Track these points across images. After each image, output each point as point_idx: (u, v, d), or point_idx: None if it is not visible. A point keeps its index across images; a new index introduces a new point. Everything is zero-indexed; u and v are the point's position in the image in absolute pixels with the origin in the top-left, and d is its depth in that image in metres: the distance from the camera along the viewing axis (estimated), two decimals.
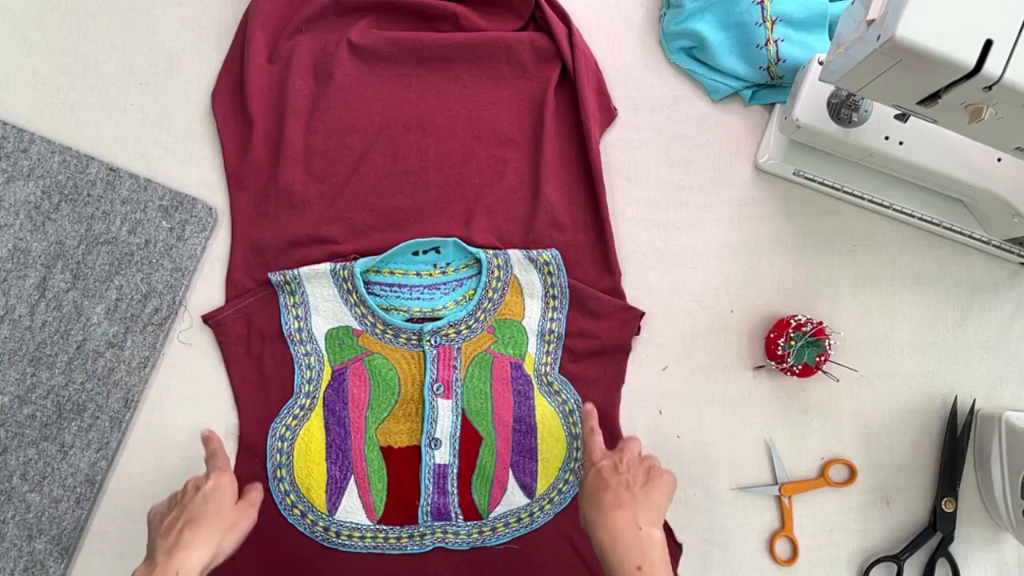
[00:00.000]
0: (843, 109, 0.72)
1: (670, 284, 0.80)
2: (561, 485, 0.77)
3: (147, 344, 0.77)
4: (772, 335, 0.78)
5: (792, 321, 0.76)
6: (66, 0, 0.80)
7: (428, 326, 0.76)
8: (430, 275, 0.78)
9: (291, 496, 0.76)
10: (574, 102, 0.79)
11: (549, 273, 0.77)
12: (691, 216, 0.81)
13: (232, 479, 0.66)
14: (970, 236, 0.80)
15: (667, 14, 0.81)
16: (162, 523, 0.62)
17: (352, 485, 0.76)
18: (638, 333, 0.79)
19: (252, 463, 0.76)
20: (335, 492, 0.76)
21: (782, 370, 0.77)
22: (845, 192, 0.80)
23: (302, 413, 0.77)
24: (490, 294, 0.77)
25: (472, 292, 0.78)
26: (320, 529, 0.76)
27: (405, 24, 0.81)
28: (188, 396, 0.77)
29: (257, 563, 0.75)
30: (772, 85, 0.79)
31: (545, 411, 0.78)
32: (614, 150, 0.81)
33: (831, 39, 0.74)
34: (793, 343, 0.75)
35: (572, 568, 0.77)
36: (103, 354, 0.76)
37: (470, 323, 0.77)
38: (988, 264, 0.82)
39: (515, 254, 0.77)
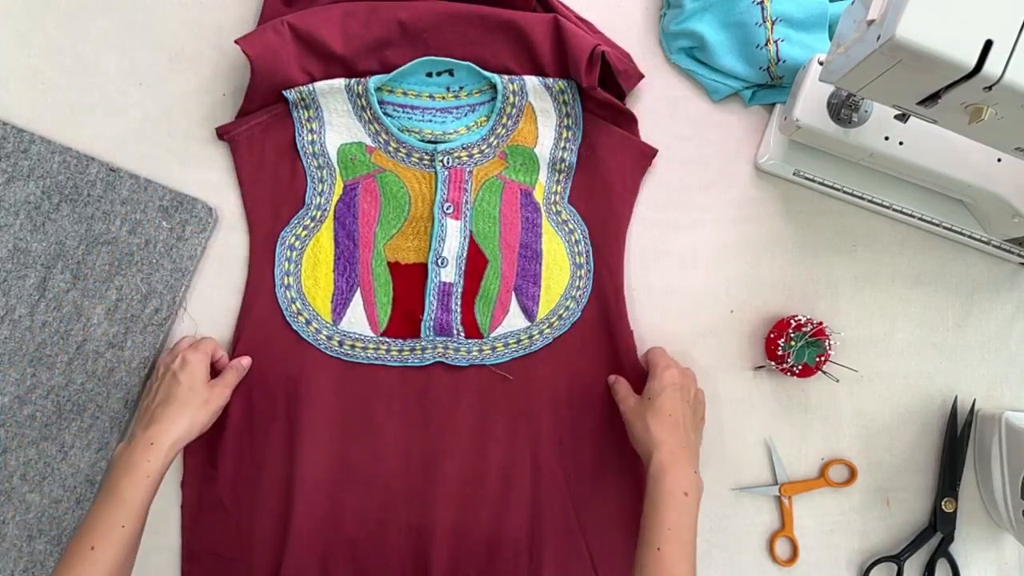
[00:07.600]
0: (843, 109, 0.72)
1: (670, 284, 0.80)
2: (562, 311, 0.78)
3: (147, 344, 0.77)
4: (772, 335, 0.78)
5: (792, 321, 0.76)
6: (66, 0, 0.80)
7: (441, 146, 0.77)
8: (443, 98, 0.79)
9: (297, 304, 0.77)
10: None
11: (564, 102, 0.78)
12: (691, 216, 0.81)
13: (202, 358, 0.71)
14: (970, 236, 0.80)
15: (667, 14, 0.81)
16: (141, 404, 0.70)
17: (358, 297, 0.77)
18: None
19: (261, 272, 0.77)
20: (341, 302, 0.77)
21: (782, 370, 0.77)
22: (845, 192, 0.80)
23: (312, 224, 0.77)
24: (504, 120, 0.78)
25: (485, 119, 0.78)
26: (323, 337, 0.77)
27: None
28: None
29: (258, 374, 0.76)
30: (772, 85, 0.79)
31: (552, 239, 0.78)
32: None
33: (831, 39, 0.74)
34: (793, 343, 0.75)
35: (568, 391, 0.78)
36: (103, 354, 0.76)
37: (483, 147, 0.78)
38: (988, 264, 0.82)
39: (531, 80, 0.77)
